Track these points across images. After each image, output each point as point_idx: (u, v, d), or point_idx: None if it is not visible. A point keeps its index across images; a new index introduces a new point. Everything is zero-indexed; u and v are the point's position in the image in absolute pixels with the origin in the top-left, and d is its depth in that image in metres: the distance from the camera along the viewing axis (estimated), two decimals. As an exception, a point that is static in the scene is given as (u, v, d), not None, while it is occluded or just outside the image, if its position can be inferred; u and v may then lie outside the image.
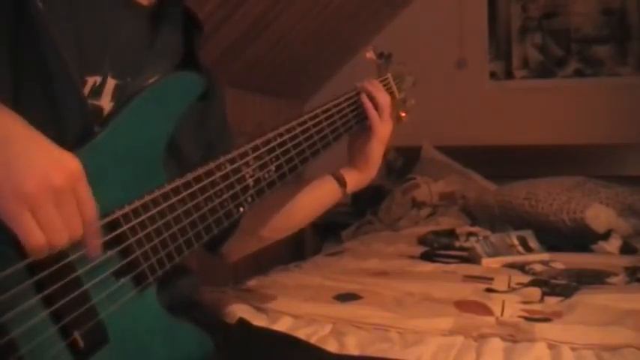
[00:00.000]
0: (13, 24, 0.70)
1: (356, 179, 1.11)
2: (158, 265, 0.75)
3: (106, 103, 0.80)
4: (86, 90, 0.78)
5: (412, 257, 2.13)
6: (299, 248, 3.29)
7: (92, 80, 0.79)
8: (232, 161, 0.85)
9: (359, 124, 1.09)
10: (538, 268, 1.86)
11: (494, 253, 2.02)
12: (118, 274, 0.71)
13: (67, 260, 0.65)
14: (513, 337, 1.22)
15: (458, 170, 3.17)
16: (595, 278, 1.73)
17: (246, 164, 0.87)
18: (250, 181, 0.87)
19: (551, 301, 1.51)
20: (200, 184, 0.80)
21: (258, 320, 1.31)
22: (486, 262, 1.97)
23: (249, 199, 0.87)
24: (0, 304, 0.59)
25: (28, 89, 0.71)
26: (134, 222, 0.72)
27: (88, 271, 0.67)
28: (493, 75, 3.38)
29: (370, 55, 1.21)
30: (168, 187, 0.76)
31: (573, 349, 1.17)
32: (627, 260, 1.97)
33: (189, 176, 0.79)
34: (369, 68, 1.21)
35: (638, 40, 3.15)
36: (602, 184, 2.51)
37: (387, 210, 3.02)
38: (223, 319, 1.21)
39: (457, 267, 1.95)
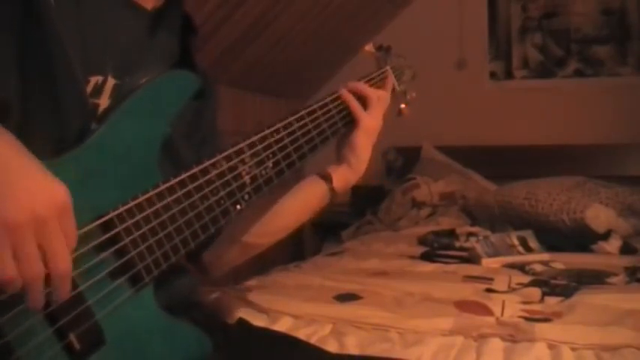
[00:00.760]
0: (20, 19, 0.70)
1: (343, 175, 1.05)
2: (154, 265, 0.74)
3: (104, 101, 0.80)
4: (88, 89, 0.78)
5: (412, 257, 2.13)
6: (299, 248, 3.29)
7: (94, 80, 0.79)
8: (228, 159, 0.83)
9: None
10: (538, 268, 1.86)
11: (494, 253, 2.02)
12: (114, 274, 0.70)
13: None
14: (513, 337, 1.22)
15: (458, 170, 3.17)
16: (595, 278, 1.73)
17: (243, 161, 0.85)
18: (247, 179, 0.86)
19: (551, 301, 1.51)
20: (195, 183, 0.79)
21: (258, 320, 1.31)
22: (486, 262, 1.97)
23: (246, 197, 0.86)
24: None
25: (34, 87, 0.71)
26: (129, 222, 0.71)
27: (83, 273, 0.67)
28: (493, 75, 3.38)
29: (369, 47, 1.20)
30: (163, 186, 0.75)
31: (573, 349, 1.17)
32: (627, 260, 1.97)
33: (184, 174, 0.78)
34: (370, 67, 1.20)
35: (638, 40, 3.15)
36: (602, 184, 2.51)
37: (387, 210, 3.02)
38: (223, 319, 1.21)
39: (457, 267, 1.95)
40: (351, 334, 1.25)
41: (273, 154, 0.90)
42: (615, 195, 2.43)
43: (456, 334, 1.25)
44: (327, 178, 1.04)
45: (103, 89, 0.80)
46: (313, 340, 1.22)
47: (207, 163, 0.81)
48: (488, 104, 3.34)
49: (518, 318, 1.35)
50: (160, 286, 0.77)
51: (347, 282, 1.68)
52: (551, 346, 1.18)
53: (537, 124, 3.23)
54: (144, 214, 0.73)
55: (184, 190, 0.78)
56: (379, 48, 1.21)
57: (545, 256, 2.01)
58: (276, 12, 2.61)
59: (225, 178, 0.83)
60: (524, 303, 1.48)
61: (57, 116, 0.72)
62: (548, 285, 1.64)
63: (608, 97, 3.15)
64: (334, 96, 1.04)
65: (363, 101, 1.06)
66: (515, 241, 2.09)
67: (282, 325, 1.31)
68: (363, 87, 1.07)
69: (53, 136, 0.62)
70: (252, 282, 1.72)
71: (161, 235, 0.75)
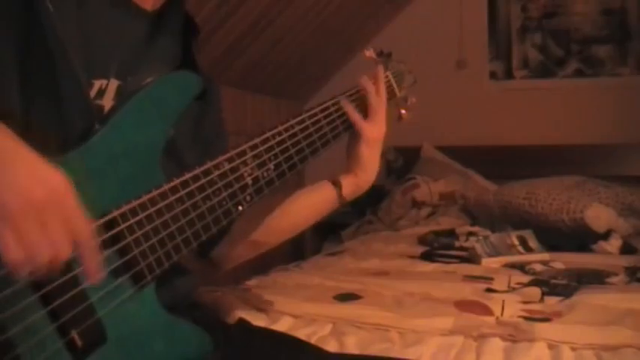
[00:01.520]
0: (22, 24, 0.71)
1: (352, 184, 1.08)
2: (156, 264, 0.74)
3: (108, 102, 0.81)
4: (92, 92, 0.79)
5: (412, 257, 2.13)
6: (299, 248, 3.28)
7: (99, 84, 0.80)
8: (230, 160, 0.85)
9: None
10: (538, 268, 1.86)
11: (495, 253, 2.02)
12: (116, 273, 0.71)
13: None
14: (513, 337, 1.22)
15: (458, 170, 3.17)
16: (595, 278, 1.73)
17: (245, 163, 0.86)
18: (249, 180, 0.87)
19: (551, 301, 1.51)
20: (198, 183, 0.80)
21: (258, 320, 1.31)
22: (486, 262, 1.97)
23: (248, 198, 0.87)
24: None
25: (36, 89, 0.72)
26: (132, 221, 0.72)
27: (85, 270, 0.67)
28: (493, 75, 3.38)
29: (370, 53, 1.20)
30: (165, 186, 0.76)
31: (573, 349, 1.17)
32: (627, 260, 1.97)
33: (187, 175, 0.79)
34: (369, 68, 1.20)
35: (638, 40, 3.15)
36: (602, 184, 2.51)
37: (387, 210, 3.02)
38: (223, 319, 1.21)
39: (457, 267, 1.95)
40: (351, 334, 1.25)
41: (275, 156, 0.91)
42: (615, 195, 2.43)
43: (456, 333, 1.25)
44: (337, 185, 1.08)
45: (106, 91, 0.81)
46: (313, 340, 1.22)
47: (209, 164, 0.82)
48: (488, 104, 3.34)
49: (518, 318, 1.35)
50: (161, 285, 0.78)
51: (347, 282, 1.68)
52: (551, 346, 1.18)
53: (537, 124, 3.23)
54: (146, 213, 0.73)
55: (187, 190, 0.78)
56: (380, 54, 1.21)
57: (545, 256, 2.00)
58: (276, 12, 2.61)
59: (228, 179, 0.84)
60: (524, 303, 1.48)
61: (60, 117, 0.73)
62: (548, 285, 1.64)
63: (608, 97, 3.15)
64: (335, 100, 1.05)
65: (368, 103, 1.07)
66: (515, 241, 2.09)
67: (282, 325, 1.31)
68: (375, 89, 1.08)
69: (57, 137, 0.63)
70: (252, 282, 1.72)
71: (163, 234, 0.75)
